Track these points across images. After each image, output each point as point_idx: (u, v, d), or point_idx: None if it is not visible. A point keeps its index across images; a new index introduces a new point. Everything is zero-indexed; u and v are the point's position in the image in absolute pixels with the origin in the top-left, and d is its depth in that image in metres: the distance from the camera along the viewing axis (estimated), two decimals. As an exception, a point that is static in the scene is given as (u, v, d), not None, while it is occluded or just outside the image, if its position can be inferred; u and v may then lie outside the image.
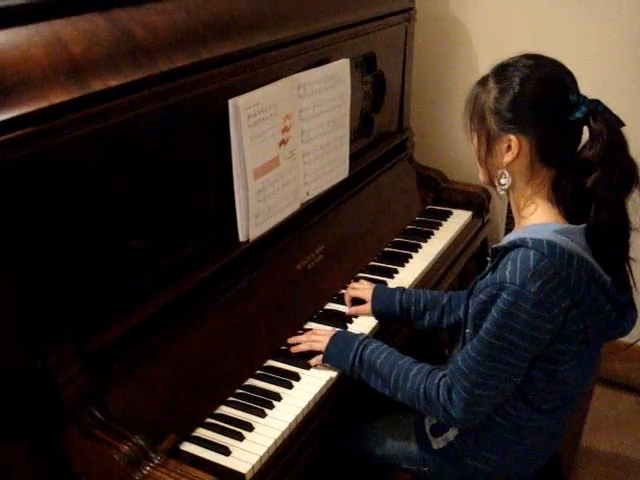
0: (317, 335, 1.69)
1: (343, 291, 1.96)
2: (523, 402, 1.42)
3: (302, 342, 1.69)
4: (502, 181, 1.42)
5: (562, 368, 1.36)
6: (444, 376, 1.43)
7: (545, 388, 1.40)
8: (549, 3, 2.49)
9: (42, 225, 1.21)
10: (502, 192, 1.44)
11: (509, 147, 1.38)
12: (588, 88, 1.39)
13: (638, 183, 1.35)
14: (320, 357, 1.64)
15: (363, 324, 1.82)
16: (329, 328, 1.74)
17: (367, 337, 1.63)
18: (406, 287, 2.00)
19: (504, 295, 1.28)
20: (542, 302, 1.26)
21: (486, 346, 1.32)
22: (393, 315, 1.82)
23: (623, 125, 1.35)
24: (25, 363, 1.27)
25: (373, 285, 1.89)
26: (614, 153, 1.33)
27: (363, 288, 1.89)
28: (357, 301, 1.88)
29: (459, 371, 1.38)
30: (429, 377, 1.45)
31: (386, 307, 1.81)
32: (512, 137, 1.36)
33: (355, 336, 1.63)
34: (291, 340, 1.73)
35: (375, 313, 1.83)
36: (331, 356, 1.62)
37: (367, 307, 1.84)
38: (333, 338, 1.64)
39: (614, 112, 1.36)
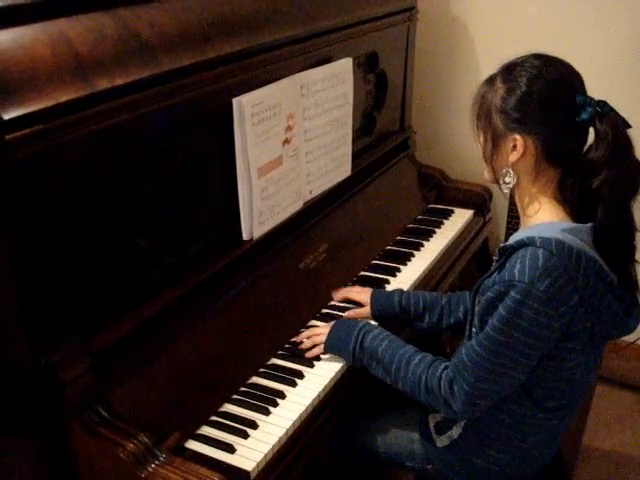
0: (318, 329, 1.71)
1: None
2: (527, 400, 1.42)
3: (304, 338, 1.71)
4: (506, 179, 1.43)
5: (567, 366, 1.37)
6: (446, 368, 1.44)
7: (550, 386, 1.40)
8: (549, 4, 2.49)
9: (49, 222, 1.22)
10: (506, 190, 1.45)
11: (514, 146, 1.38)
12: (592, 88, 1.39)
13: None
14: (321, 347, 1.65)
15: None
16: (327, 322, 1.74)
17: (367, 323, 1.64)
18: (408, 285, 2.01)
19: (512, 293, 1.29)
20: (550, 300, 1.27)
21: (492, 342, 1.32)
22: (392, 317, 1.81)
23: (629, 127, 1.36)
24: (30, 361, 1.27)
25: (370, 289, 1.88)
26: (619, 155, 1.33)
27: (360, 291, 1.88)
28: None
29: (463, 365, 1.38)
30: (431, 368, 1.46)
31: (385, 309, 1.81)
32: (518, 137, 1.37)
33: (355, 323, 1.64)
34: (295, 340, 1.73)
35: (374, 316, 1.82)
36: (332, 345, 1.64)
37: (366, 310, 1.83)
38: (334, 327, 1.66)
39: (621, 114, 1.36)
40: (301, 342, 1.71)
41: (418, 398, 1.50)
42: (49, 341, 1.27)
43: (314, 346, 1.68)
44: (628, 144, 1.35)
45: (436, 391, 1.44)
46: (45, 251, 1.22)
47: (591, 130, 1.37)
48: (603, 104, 1.35)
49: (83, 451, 1.32)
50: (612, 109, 1.35)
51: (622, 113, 1.37)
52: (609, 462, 2.44)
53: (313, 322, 1.82)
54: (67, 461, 1.35)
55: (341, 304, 1.90)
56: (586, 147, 1.40)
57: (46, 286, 1.24)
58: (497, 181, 1.47)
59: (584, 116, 1.33)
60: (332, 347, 1.64)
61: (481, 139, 1.47)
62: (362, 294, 1.86)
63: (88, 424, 1.30)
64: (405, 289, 1.98)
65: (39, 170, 1.17)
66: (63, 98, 1.17)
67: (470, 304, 1.49)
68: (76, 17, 1.26)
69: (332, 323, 1.69)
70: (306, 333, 1.73)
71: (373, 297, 1.83)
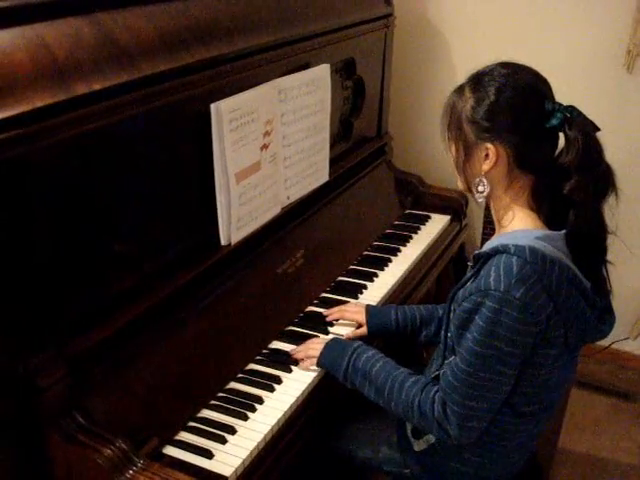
0: (313, 343, 1.70)
1: (324, 294, 1.98)
2: (504, 405, 1.42)
3: (299, 350, 1.70)
4: (479, 188, 1.43)
5: (543, 372, 1.37)
6: (439, 390, 1.42)
7: (526, 392, 1.40)
8: (527, 10, 2.52)
9: (24, 228, 1.21)
10: (480, 200, 1.45)
11: (487, 155, 1.39)
12: (566, 94, 1.40)
13: (614, 188, 1.37)
14: (314, 360, 1.64)
15: (343, 328, 1.83)
16: (326, 337, 1.73)
17: (362, 344, 1.62)
18: (386, 290, 2.02)
19: (488, 302, 1.29)
20: (527, 307, 1.27)
21: (475, 356, 1.32)
22: (389, 334, 1.81)
23: (598, 130, 1.37)
24: (6, 367, 1.26)
25: (362, 305, 1.86)
26: (590, 159, 1.34)
27: (355, 311, 1.85)
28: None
29: (449, 385, 1.37)
30: (424, 391, 1.44)
31: (383, 328, 1.80)
32: (489, 145, 1.38)
33: (350, 343, 1.63)
34: (290, 351, 1.73)
35: (370, 333, 1.81)
36: (325, 361, 1.63)
37: (364, 330, 1.81)
38: (328, 344, 1.64)
39: (589, 118, 1.37)
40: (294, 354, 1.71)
41: (411, 421, 1.49)
42: (26, 347, 1.27)
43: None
44: (598, 148, 1.36)
45: (429, 414, 1.42)
46: (21, 256, 1.21)
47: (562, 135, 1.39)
48: (572, 109, 1.36)
49: (60, 457, 1.31)
50: (580, 113, 1.36)
51: (600, 118, 1.38)
52: (584, 465, 2.47)
53: (291, 327, 1.83)
54: (44, 468, 1.34)
55: (320, 309, 1.90)
56: (557, 152, 1.41)
57: (22, 292, 1.24)
58: (470, 190, 1.48)
59: (554, 122, 1.35)
60: (324, 364, 1.63)
61: (453, 149, 1.47)
62: (357, 314, 1.84)
63: (65, 430, 1.29)
64: (383, 294, 1.99)
65: (16, 175, 1.16)
66: (41, 103, 1.17)
67: (446, 310, 1.48)
68: (54, 22, 1.25)
69: (327, 339, 1.68)
70: (302, 346, 1.72)
71: (369, 315, 1.82)
